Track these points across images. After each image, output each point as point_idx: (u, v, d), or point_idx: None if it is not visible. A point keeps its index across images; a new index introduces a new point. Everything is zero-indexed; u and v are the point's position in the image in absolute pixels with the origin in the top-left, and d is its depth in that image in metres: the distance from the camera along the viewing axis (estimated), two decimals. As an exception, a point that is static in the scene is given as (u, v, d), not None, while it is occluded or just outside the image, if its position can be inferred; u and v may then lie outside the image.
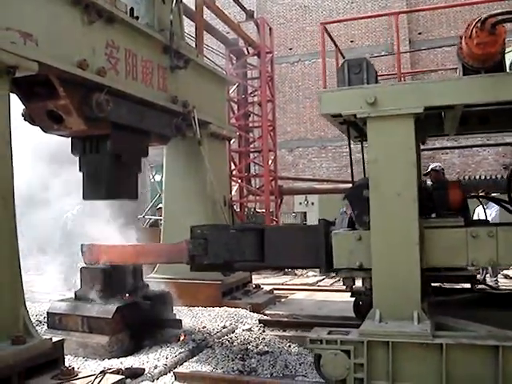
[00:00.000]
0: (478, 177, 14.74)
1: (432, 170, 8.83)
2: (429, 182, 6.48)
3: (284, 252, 5.45)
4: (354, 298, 6.41)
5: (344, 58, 5.53)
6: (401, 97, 4.82)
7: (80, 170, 6.44)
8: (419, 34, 21.10)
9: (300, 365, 5.86)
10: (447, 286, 7.02)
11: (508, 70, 5.14)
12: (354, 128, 5.82)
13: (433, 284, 6.26)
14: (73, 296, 6.62)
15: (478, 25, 4.55)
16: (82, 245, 6.61)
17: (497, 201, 6.11)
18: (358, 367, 4.53)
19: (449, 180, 5.86)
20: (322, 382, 5.20)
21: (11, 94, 4.86)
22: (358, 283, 5.48)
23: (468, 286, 6.62)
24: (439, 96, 4.76)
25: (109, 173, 6.26)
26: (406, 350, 4.46)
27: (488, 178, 14.56)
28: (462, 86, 4.75)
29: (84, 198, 6.44)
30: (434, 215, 5.29)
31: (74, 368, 4.76)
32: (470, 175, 15.00)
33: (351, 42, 21.31)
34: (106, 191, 6.28)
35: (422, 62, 20.63)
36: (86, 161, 6.37)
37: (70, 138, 6.35)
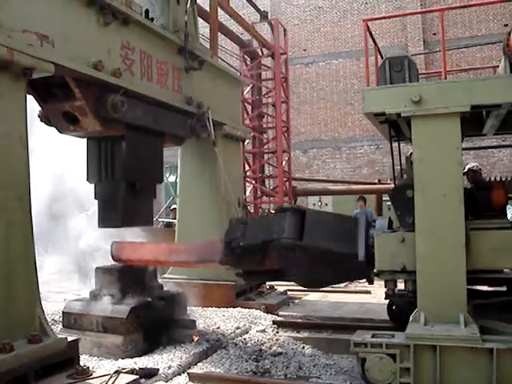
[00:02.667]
0: (493, 178, 14.62)
1: (469, 169, 8.70)
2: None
3: (323, 233, 5.27)
4: (385, 301, 6.30)
5: (382, 57, 5.45)
6: (447, 95, 4.76)
7: (95, 197, 6.51)
8: (434, 34, 20.97)
9: (314, 366, 5.84)
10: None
11: None
12: (392, 127, 5.76)
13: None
14: (88, 296, 6.66)
15: None
16: (112, 242, 6.66)
17: None
18: (404, 371, 4.49)
19: (492, 180, 5.75)
20: (335, 384, 5.21)
21: (28, 96, 4.91)
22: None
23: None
24: (487, 94, 4.70)
25: (124, 201, 6.32)
26: (454, 354, 4.42)
27: (504, 179, 14.45)
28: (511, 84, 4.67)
29: (99, 225, 6.53)
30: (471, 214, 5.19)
31: (88, 367, 4.79)
32: (485, 176, 14.87)
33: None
34: (122, 219, 6.35)
35: (436, 63, 20.48)
36: (102, 189, 6.44)
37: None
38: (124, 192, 6.29)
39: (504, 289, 6.43)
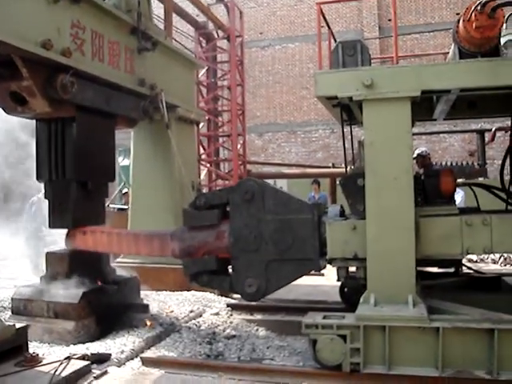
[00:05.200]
0: (444, 163, 15.04)
1: (418, 155, 8.78)
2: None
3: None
4: (339, 283, 6.38)
5: (336, 41, 5.46)
6: (398, 79, 4.78)
7: (45, 197, 6.37)
8: (389, 20, 21.19)
9: (267, 348, 5.89)
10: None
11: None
12: (345, 111, 5.78)
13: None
14: (38, 281, 6.52)
15: (478, 8, 4.54)
16: (68, 230, 6.54)
17: (487, 188, 6.07)
18: (355, 352, 4.56)
19: (440, 167, 5.85)
20: (288, 365, 5.26)
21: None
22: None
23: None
24: (437, 79, 4.74)
25: (75, 201, 6.21)
26: (403, 333, 4.51)
27: (454, 164, 14.88)
28: (460, 70, 4.74)
29: (50, 226, 6.41)
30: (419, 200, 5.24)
31: (38, 354, 4.68)
32: (436, 161, 15.25)
33: (322, 27, 21.27)
34: (73, 220, 6.25)
35: (391, 49, 20.71)
36: (52, 189, 6.31)
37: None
38: (75, 192, 6.19)
39: (452, 270, 6.63)
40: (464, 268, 6.69)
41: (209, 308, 7.44)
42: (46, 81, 5.53)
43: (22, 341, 4.80)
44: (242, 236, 5.29)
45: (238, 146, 14.03)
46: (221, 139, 14.73)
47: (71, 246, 6.59)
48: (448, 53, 6.15)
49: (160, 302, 7.61)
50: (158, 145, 8.58)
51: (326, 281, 8.88)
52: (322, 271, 9.23)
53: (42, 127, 6.22)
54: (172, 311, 7.11)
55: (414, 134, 5.00)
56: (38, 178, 6.35)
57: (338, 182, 13.09)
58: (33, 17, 5.26)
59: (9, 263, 12.10)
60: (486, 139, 14.67)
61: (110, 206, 14.03)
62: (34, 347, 5.43)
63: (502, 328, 4.34)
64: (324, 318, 4.79)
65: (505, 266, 10.56)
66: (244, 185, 5.35)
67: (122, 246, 6.37)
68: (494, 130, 13.83)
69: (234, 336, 6.23)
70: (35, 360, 4.56)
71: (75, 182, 6.18)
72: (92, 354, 5.21)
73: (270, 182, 17.51)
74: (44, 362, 4.59)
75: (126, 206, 11.69)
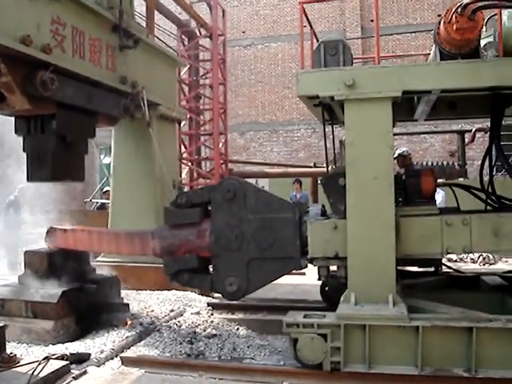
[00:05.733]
0: (425, 163, 15.16)
1: (399, 155, 8.82)
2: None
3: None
4: (320, 282, 6.40)
5: (318, 40, 5.48)
6: (380, 80, 4.82)
7: (24, 150, 6.20)
8: (371, 20, 21.30)
9: (248, 347, 5.89)
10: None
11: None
12: (326, 111, 5.79)
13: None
14: (16, 280, 6.44)
15: (459, 10, 4.59)
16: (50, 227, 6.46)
17: (467, 188, 6.11)
18: (335, 351, 4.59)
19: (421, 167, 5.89)
20: (269, 365, 5.27)
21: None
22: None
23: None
24: (418, 80, 4.79)
25: (54, 154, 6.03)
26: (383, 332, 4.55)
27: (435, 164, 15.01)
28: (441, 71, 4.80)
29: (28, 179, 6.20)
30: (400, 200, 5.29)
31: (16, 355, 4.63)
32: (417, 161, 15.36)
33: (304, 27, 21.28)
34: (52, 173, 6.06)
35: (373, 49, 20.83)
36: (31, 141, 6.13)
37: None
38: (54, 145, 6.01)
39: (432, 269, 6.69)
40: (444, 267, 6.75)
41: (189, 307, 7.41)
42: (25, 77, 5.44)
43: (0, 341, 4.74)
44: (223, 235, 5.29)
45: (220, 145, 13.98)
46: (202, 138, 14.66)
47: (52, 244, 6.53)
48: (429, 54, 6.20)
49: (140, 301, 7.56)
50: (139, 143, 8.52)
51: (307, 280, 8.88)
52: (303, 270, 9.28)
53: (21, 124, 6.12)
54: (152, 310, 7.07)
55: (395, 134, 5.04)
56: (16, 132, 6.16)
57: (319, 182, 13.16)
58: (12, 12, 5.18)
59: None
60: (466, 140, 14.82)
61: (93, 200, 13.99)
62: (11, 347, 5.37)
63: (480, 326, 4.40)
64: (305, 317, 4.81)
65: (483, 265, 10.69)
66: (226, 184, 5.35)
67: (103, 244, 6.33)
68: (473, 130, 13.99)
69: (214, 335, 6.22)
70: (13, 360, 4.51)
71: (55, 135, 6.01)
72: (71, 354, 5.17)
73: (252, 181, 17.58)
74: (22, 362, 4.56)
75: (107, 201, 11.52)
